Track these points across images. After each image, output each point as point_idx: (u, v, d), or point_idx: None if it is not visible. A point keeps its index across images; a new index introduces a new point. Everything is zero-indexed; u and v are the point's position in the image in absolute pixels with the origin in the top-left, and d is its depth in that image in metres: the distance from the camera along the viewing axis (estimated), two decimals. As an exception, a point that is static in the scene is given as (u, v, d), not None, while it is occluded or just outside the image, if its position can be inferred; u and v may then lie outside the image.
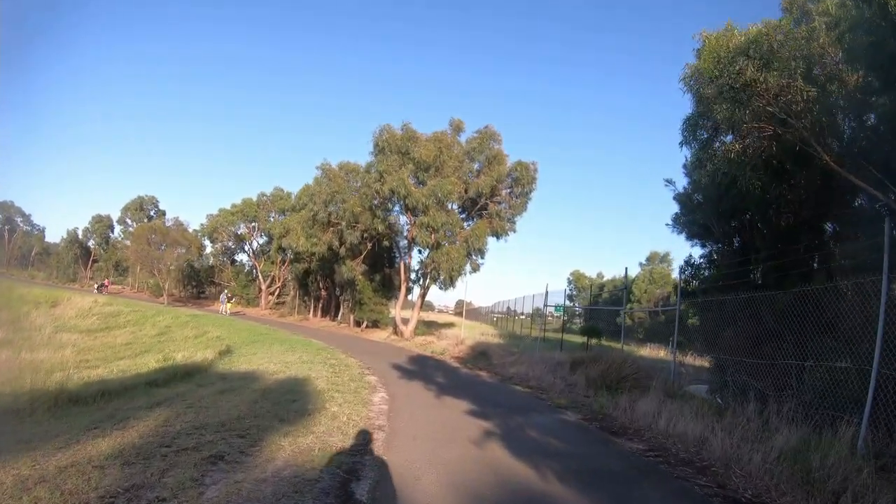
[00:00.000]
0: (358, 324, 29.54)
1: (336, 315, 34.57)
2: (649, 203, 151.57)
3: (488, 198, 22.90)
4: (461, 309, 71.00)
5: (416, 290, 27.04)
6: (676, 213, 14.29)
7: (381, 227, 21.66)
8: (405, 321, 24.90)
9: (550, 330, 36.19)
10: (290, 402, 7.71)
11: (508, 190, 23.23)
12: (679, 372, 12.97)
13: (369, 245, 25.16)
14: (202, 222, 48.10)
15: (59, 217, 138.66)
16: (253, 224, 46.14)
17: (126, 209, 57.43)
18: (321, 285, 36.13)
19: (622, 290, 22.57)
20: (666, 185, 12.39)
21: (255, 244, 49.06)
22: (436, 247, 20.45)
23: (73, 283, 58.43)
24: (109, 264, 57.59)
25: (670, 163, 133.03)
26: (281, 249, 37.92)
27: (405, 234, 24.25)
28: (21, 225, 66.36)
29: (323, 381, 10.02)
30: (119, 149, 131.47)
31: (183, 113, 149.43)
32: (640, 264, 58.99)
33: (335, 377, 10.66)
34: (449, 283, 21.24)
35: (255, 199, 43.62)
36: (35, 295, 27.66)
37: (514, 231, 23.56)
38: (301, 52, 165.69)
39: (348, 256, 25.17)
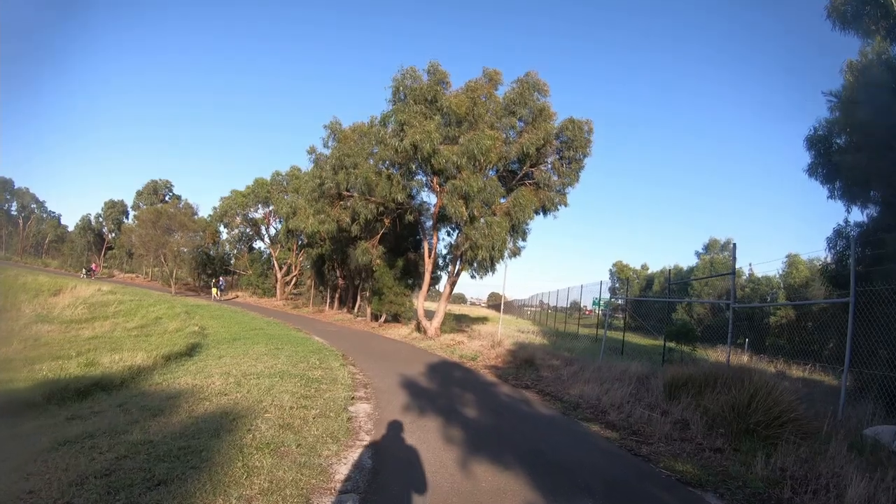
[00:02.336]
0: (376, 317, 25.74)
1: (353, 307, 30.90)
2: (700, 186, 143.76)
3: (533, 163, 18.64)
4: (496, 301, 66.97)
5: (444, 279, 23.03)
6: (814, 162, 9.95)
7: (400, 196, 17.46)
8: (429, 315, 20.87)
9: (589, 326, 32.11)
10: (157, 483, 3.79)
11: (557, 155, 18.87)
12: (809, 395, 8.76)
13: (387, 222, 21.02)
14: (216, 206, 45.10)
15: (75, 204, 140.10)
16: (269, 208, 42.92)
17: (140, 194, 55.40)
18: (338, 273, 32.54)
19: (679, 283, 18.10)
20: (827, 100, 7.94)
21: (271, 230, 45.93)
22: (470, 220, 16.29)
23: (97, 272, 56.73)
24: (123, 252, 55.39)
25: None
26: (290, 233, 34.55)
27: (431, 210, 20.22)
28: (36, 212, 65.12)
29: (273, 417, 6.16)
30: (139, 134, 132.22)
31: (203, 96, 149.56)
32: (697, 253, 54.00)
33: (300, 409, 6.77)
34: (489, 265, 17.07)
35: (268, 179, 40.22)
36: (40, 283, 26.95)
37: (566, 205, 19.27)
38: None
39: (363, 237, 21.18)
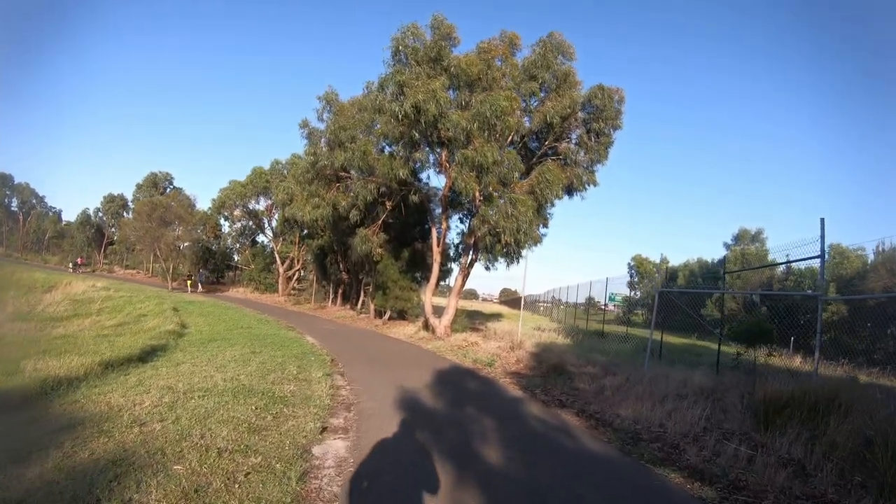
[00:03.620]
0: (379, 314, 23.53)
1: (357, 303, 28.75)
2: (716, 180, 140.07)
3: (556, 137, 16.31)
4: (508, 297, 64.72)
5: (455, 272, 20.79)
6: None
7: (403, 173, 15.02)
8: (438, 312, 18.62)
9: (608, 322, 29.73)
10: None
11: (584, 128, 16.48)
12: None
13: (389, 205, 18.67)
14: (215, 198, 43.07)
15: (78, 200, 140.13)
16: (270, 200, 40.89)
17: (139, 187, 53.71)
18: (341, 267, 30.39)
19: (714, 275, 15.71)
20: None
21: (274, 222, 43.85)
22: (485, 200, 13.99)
23: (87, 267, 55.32)
24: (123, 247, 53.81)
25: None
26: (288, 222, 32.45)
27: (439, 195, 17.95)
28: (36, 207, 63.88)
29: (183, 472, 4.15)
30: (143, 128, 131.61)
31: (206, 88, 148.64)
32: (727, 245, 51.25)
33: (233, 454, 4.70)
34: (513, 252, 14.67)
35: (268, 168, 38.10)
36: (34, 279, 26.26)
37: (595, 184, 16.82)
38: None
39: (363, 223, 18.92)
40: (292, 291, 41.23)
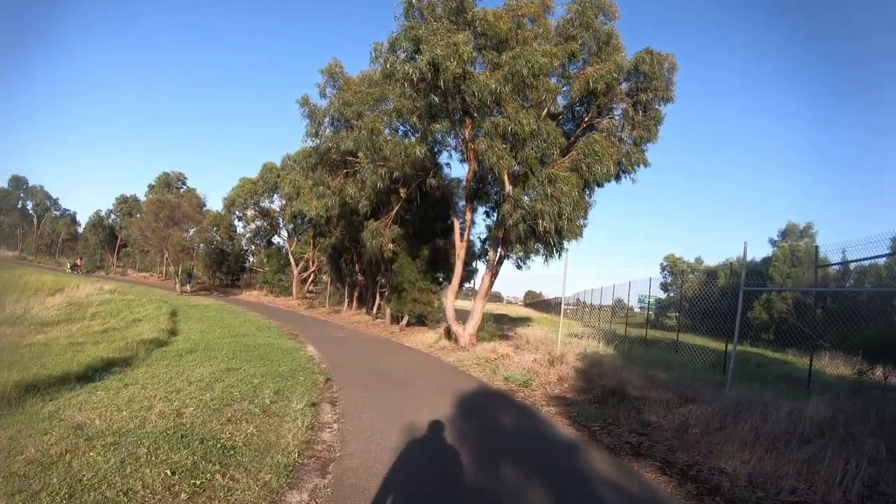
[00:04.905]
0: (396, 319, 21.39)
1: (373, 306, 26.70)
2: (753, 171, 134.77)
3: (599, 108, 14.02)
4: (534, 300, 61.75)
5: (481, 271, 18.55)
6: None
7: (418, 151, 12.78)
8: (462, 317, 16.39)
9: (633, 325, 27.27)
10: None
11: (630, 101, 14.11)
12: None
13: (403, 193, 16.41)
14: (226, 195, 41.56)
15: (93, 203, 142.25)
16: (283, 200, 39.21)
17: (152, 188, 52.76)
18: (356, 268, 28.42)
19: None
20: None
21: (291, 224, 42.15)
22: (520, 181, 11.74)
23: (100, 269, 54.65)
24: (136, 249, 52.86)
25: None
26: (296, 218, 30.64)
27: (462, 184, 15.77)
28: (50, 209, 63.77)
29: None
30: (154, 130, 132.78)
31: (220, 88, 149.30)
32: (772, 241, 48.05)
33: None
34: (554, 243, 12.20)
35: (279, 164, 36.30)
36: (42, 282, 26.83)
37: (646, 164, 14.42)
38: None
39: (375, 215, 16.73)
40: (307, 294, 39.44)
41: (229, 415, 5.92)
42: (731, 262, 49.76)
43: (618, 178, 14.57)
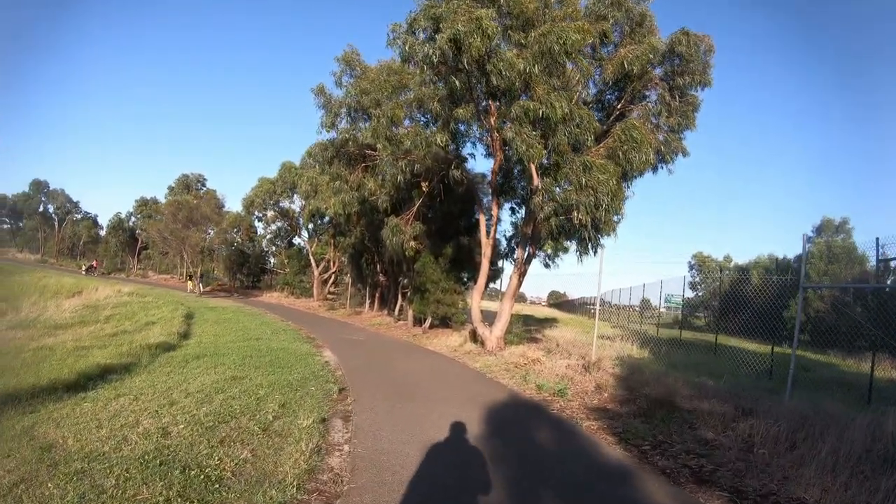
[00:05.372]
0: (419, 321, 20.58)
1: (395, 307, 25.94)
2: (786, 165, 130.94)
3: (632, 94, 13.04)
4: (558, 300, 60.35)
5: (508, 270, 17.59)
6: None
7: (440, 140, 11.95)
8: (488, 318, 15.49)
9: (660, 325, 25.98)
10: None
11: (665, 85, 13.08)
12: None
13: (425, 187, 15.51)
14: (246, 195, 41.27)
15: (115, 206, 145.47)
16: (303, 200, 38.78)
17: (172, 190, 52.93)
18: (378, 268, 27.71)
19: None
20: None
21: (310, 224, 41.69)
22: (551, 172, 10.81)
23: (121, 272, 55.08)
24: (156, 251, 53.08)
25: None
26: (314, 217, 30.07)
27: (488, 178, 14.87)
28: (71, 212, 64.71)
29: None
30: (177, 133, 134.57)
31: (242, 89, 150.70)
32: (808, 237, 45.92)
33: None
34: (590, 237, 11.04)
35: (298, 163, 35.75)
36: (62, 284, 26.46)
37: (684, 154, 13.51)
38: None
39: (395, 211, 15.86)
40: (328, 296, 38.91)
41: (223, 435, 5.14)
42: (762, 260, 48.08)
43: (654, 168, 13.59)
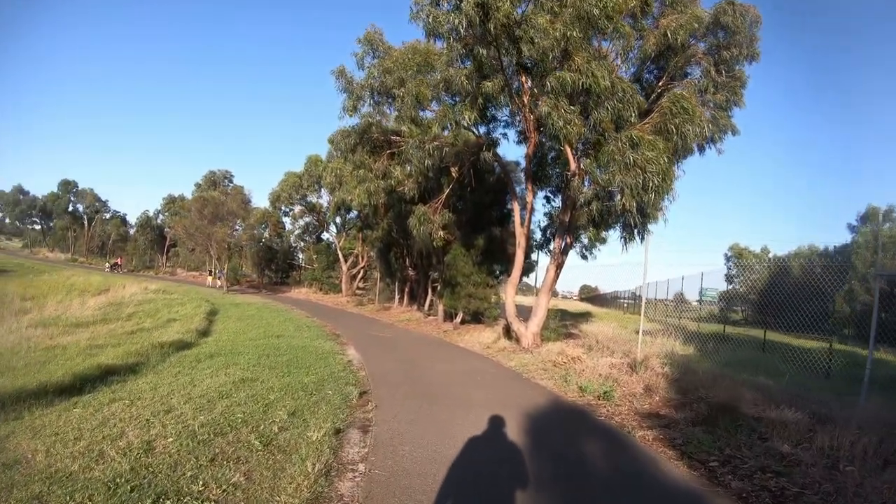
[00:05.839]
0: (450, 316, 19.80)
1: (424, 302, 25.20)
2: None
3: (674, 70, 11.96)
4: (590, 294, 58.57)
5: (542, 262, 16.57)
6: None
7: (468, 118, 11.02)
8: (522, 314, 14.58)
9: (695, 319, 24.61)
10: None
11: (711, 59, 11.96)
12: None
13: (455, 173, 14.57)
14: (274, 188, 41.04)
15: (144, 204, 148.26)
16: (330, 195, 38.36)
17: (199, 186, 53.12)
18: (406, 261, 27.02)
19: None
20: None
21: (337, 218, 41.27)
22: (594, 149, 9.80)
23: (150, 269, 55.72)
24: (185, 248, 53.48)
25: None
26: (340, 210, 29.53)
27: (521, 165, 13.95)
28: (100, 211, 65.97)
29: None
30: (206, 131, 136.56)
31: (270, 86, 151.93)
32: (851, 227, 43.57)
33: None
34: (637, 222, 9.93)
35: (324, 157, 35.20)
36: (90, 282, 26.70)
37: (734, 132, 12.40)
38: None
39: (423, 199, 14.99)
40: (357, 291, 38.44)
41: (217, 450, 4.42)
42: (803, 250, 45.64)
43: (701, 149, 12.50)
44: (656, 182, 8.71)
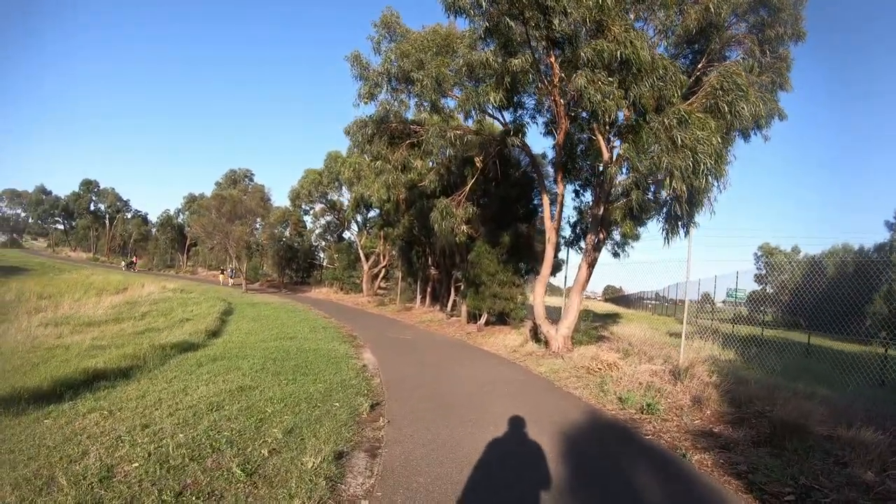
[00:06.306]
0: (474, 317, 18.97)
1: (447, 302, 24.42)
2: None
3: (714, 53, 11.00)
4: (614, 294, 56.99)
5: (572, 259, 15.64)
6: None
7: (493, 99, 10.12)
8: (552, 316, 13.69)
9: (723, 321, 23.44)
10: None
11: (755, 38, 10.95)
12: None
13: (479, 163, 13.63)
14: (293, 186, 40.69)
15: (166, 204, 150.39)
16: (350, 192, 37.91)
17: (219, 185, 53.21)
18: (429, 260, 26.27)
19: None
20: None
21: (358, 216, 40.72)
22: (632, 132, 8.86)
23: (171, 268, 56.11)
24: (206, 247, 53.66)
25: None
26: (359, 206, 28.95)
27: (551, 157, 13.01)
28: (122, 211, 66.84)
29: None
30: (228, 130, 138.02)
31: (292, 85, 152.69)
32: (890, 224, 41.58)
33: None
34: (683, 213, 8.91)
35: (344, 153, 34.59)
36: (110, 281, 26.96)
37: (781, 117, 11.52)
38: None
39: (446, 192, 14.14)
40: (378, 291, 37.81)
41: (189, 481, 3.68)
42: (837, 249, 43.56)
43: (746, 135, 11.48)
44: (709, 164, 7.72)
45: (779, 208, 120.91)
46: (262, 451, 4.37)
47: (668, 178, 7.91)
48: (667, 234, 9.97)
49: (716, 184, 8.41)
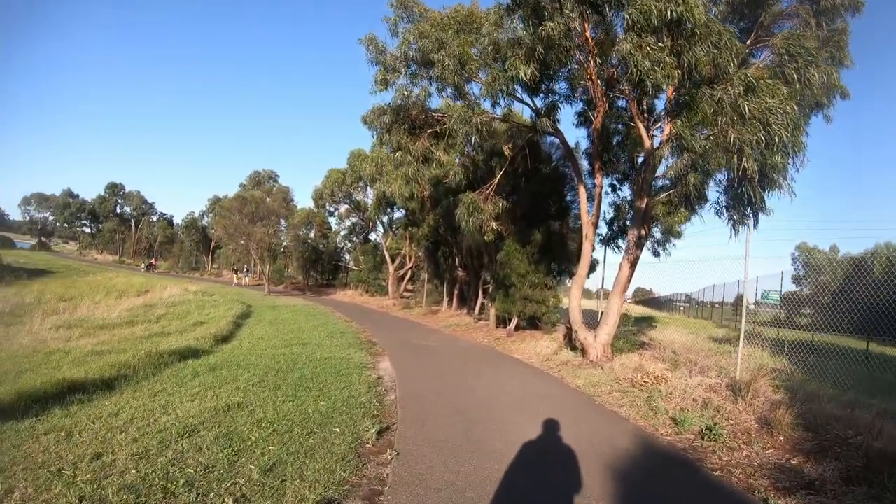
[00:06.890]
0: (503, 322, 17.95)
1: (475, 305, 23.46)
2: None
3: (763, 29, 9.86)
4: (644, 296, 54.89)
5: (611, 259, 14.54)
6: None
7: (524, 72, 9.00)
8: (586, 320, 12.59)
9: (758, 324, 21.98)
10: None
11: (810, 8, 9.75)
12: None
13: (508, 152, 12.61)
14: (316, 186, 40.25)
15: (189, 205, 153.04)
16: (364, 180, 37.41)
17: (243, 187, 53.14)
18: (456, 261, 25.35)
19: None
20: None
21: (384, 217, 40.04)
22: (684, 108, 7.76)
23: (196, 271, 56.34)
24: (228, 249, 53.77)
25: None
26: (382, 203, 28.16)
27: (587, 147, 11.94)
28: (147, 213, 67.78)
29: None
30: (252, 132, 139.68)
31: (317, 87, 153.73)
32: None
33: None
34: (754, 197, 7.76)
35: (369, 151, 33.75)
36: (132, 283, 27.45)
37: (843, 96, 10.23)
38: None
39: (472, 186, 13.13)
40: (404, 293, 37.04)
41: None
42: (881, 248, 40.95)
43: (821, 105, 10.29)
44: (786, 136, 6.55)
45: (820, 204, 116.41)
46: (226, 500, 3.46)
47: (735, 157, 6.75)
48: (733, 223, 8.74)
49: (791, 161, 7.21)
